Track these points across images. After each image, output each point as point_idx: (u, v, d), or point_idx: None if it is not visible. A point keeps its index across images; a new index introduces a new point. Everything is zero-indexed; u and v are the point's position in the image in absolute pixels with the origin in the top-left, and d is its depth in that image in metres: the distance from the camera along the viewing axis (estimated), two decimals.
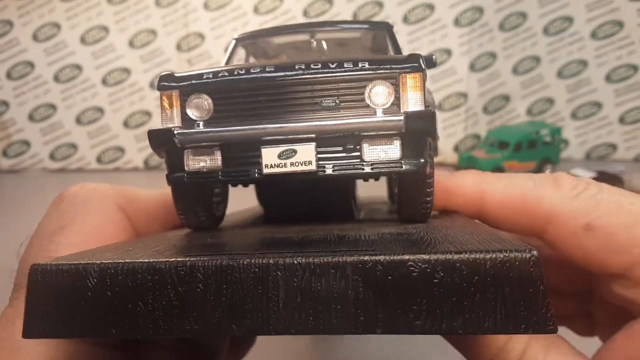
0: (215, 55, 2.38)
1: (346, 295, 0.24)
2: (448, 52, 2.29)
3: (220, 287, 0.24)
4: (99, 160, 2.46)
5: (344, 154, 0.32)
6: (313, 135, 0.32)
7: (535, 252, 0.23)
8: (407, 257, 0.24)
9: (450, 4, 2.31)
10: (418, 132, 0.32)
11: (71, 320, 0.25)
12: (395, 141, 0.32)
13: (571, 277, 0.38)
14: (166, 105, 0.34)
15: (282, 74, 0.32)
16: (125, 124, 2.44)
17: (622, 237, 0.29)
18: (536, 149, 1.99)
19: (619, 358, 0.30)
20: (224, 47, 2.39)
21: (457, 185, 0.37)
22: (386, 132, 0.32)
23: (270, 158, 0.32)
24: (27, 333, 0.25)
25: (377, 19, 2.35)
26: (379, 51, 0.48)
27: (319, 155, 0.32)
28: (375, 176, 0.34)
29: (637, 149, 2.25)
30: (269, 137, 0.32)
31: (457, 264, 0.23)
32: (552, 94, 2.30)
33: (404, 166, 0.32)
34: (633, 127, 2.24)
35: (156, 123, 2.40)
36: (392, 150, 0.32)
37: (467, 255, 0.23)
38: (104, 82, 2.41)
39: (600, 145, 2.29)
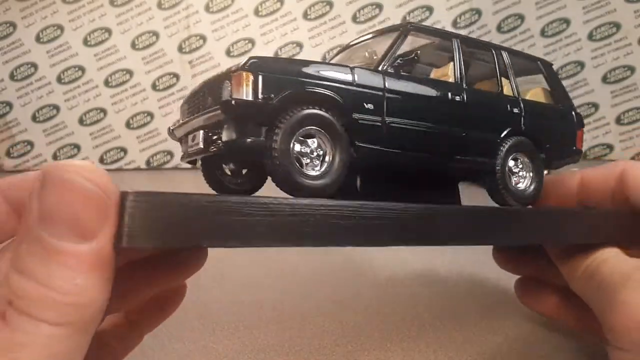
0: (216, 57, 2.41)
1: None
2: None
3: None
4: (101, 160, 2.49)
5: None
6: None
7: None
8: None
9: (448, 6, 2.33)
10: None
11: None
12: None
13: None
14: None
15: None
16: (128, 125, 2.46)
17: None
18: None
19: None
20: (225, 49, 2.41)
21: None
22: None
23: None
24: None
25: (376, 20, 2.37)
26: None
27: None
28: None
29: (633, 150, 2.27)
30: None
31: None
32: None
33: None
34: (629, 128, 2.25)
35: (158, 124, 2.43)
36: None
37: None
38: (107, 83, 2.44)
39: (596, 146, 2.31)
